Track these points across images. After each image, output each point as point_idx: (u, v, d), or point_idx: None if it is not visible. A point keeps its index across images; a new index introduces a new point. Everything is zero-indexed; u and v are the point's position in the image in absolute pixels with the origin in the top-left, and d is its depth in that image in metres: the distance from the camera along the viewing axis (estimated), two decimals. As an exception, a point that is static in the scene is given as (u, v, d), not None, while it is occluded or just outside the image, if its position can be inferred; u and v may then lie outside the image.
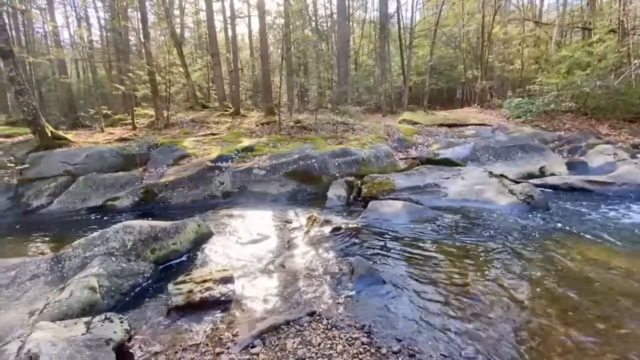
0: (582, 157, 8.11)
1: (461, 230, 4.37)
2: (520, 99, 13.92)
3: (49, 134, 8.17)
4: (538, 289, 2.94)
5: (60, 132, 9.21)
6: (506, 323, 2.50)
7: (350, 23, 20.30)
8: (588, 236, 4.08)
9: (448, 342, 2.32)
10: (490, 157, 7.92)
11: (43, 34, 19.93)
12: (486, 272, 3.26)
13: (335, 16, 19.25)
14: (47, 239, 4.93)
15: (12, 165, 6.95)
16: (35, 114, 7.95)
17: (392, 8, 19.11)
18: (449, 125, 12.14)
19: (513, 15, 20.02)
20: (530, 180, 6.37)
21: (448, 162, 7.66)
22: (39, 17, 17.82)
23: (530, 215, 4.84)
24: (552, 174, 7.15)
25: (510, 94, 15.77)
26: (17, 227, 5.58)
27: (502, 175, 6.27)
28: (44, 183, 6.79)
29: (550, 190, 6.24)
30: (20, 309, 2.74)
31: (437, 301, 2.82)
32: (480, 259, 3.56)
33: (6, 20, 9.58)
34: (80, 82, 21.53)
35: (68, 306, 2.59)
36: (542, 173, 7.29)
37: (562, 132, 10.58)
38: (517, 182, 5.89)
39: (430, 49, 17.27)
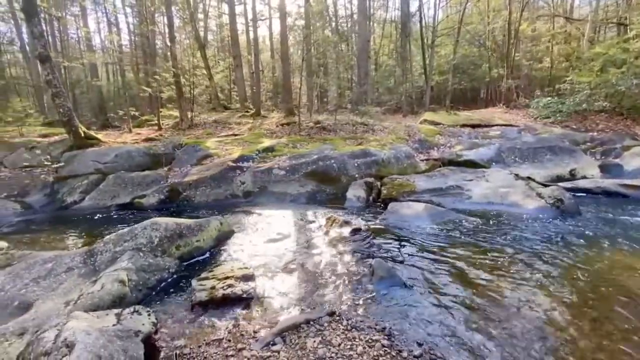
0: (617, 159, 7.67)
1: (485, 234, 4.25)
2: (549, 98, 13.34)
3: (82, 134, 8.62)
4: (568, 298, 2.82)
5: (92, 132, 9.67)
6: (533, 331, 2.41)
7: (371, 23, 20.16)
8: (623, 243, 3.86)
9: (472, 348, 2.27)
10: (517, 159, 7.65)
11: (77, 39, 21.00)
12: (512, 278, 3.15)
13: (355, 16, 19.18)
14: (80, 233, 5.20)
15: (49, 163, 7.39)
16: (69, 115, 8.40)
17: (413, 7, 18.82)
18: (473, 126, 11.82)
19: (542, 12, 19.22)
20: (560, 184, 6.09)
21: (471, 164, 7.46)
22: (73, 23, 18.81)
23: (559, 220, 4.63)
24: (584, 177, 6.82)
25: (539, 93, 15.15)
26: (53, 221, 5.91)
27: (529, 178, 6.04)
28: (77, 181, 7.16)
29: (581, 194, 5.95)
30: (57, 300, 2.90)
31: (460, 306, 2.75)
32: (506, 264, 3.45)
33: (44, 27, 10.19)
34: (110, 85, 22.52)
35: (100, 298, 2.72)
36: (572, 176, 6.96)
37: (595, 133, 10.05)
38: (546, 185, 5.65)
39: (453, 48, 16.87)
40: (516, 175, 6.24)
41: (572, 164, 7.22)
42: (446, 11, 24.11)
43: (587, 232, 4.20)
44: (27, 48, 16.83)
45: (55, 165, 7.46)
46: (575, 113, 11.86)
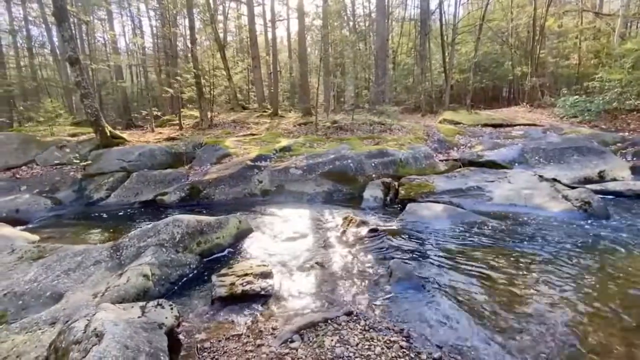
0: (651, 161, 7.28)
1: (508, 237, 4.13)
2: (576, 96, 12.80)
3: (108, 134, 8.96)
4: (595, 305, 2.70)
5: (117, 132, 10.04)
6: (559, 339, 2.33)
7: (389, 21, 19.93)
8: (657, 249, 3.66)
9: (493, 354, 2.21)
10: (541, 160, 7.38)
11: (103, 42, 21.84)
12: (536, 283, 3.05)
13: (373, 15, 19.03)
14: (106, 228, 5.41)
15: (78, 161, 7.73)
16: (97, 115, 8.75)
17: (433, 4, 18.46)
18: (494, 126, 11.50)
19: (569, 7, 18.46)
20: (588, 186, 5.82)
21: (493, 165, 7.26)
22: (99, 27, 19.58)
23: (587, 224, 4.44)
24: (614, 179, 6.49)
25: (565, 91, 14.56)
26: (81, 217, 6.18)
27: (554, 180, 5.82)
28: (103, 178, 7.46)
29: (611, 197, 5.67)
30: (85, 291, 3.04)
31: (481, 311, 2.69)
32: (530, 268, 3.34)
33: (73, 31, 10.65)
34: (134, 86, 23.30)
35: (125, 291, 2.83)
36: (601, 178, 6.65)
37: (626, 134, 9.56)
38: (572, 187, 5.43)
39: (474, 45, 16.45)
40: (540, 176, 6.03)
41: (601, 166, 6.89)
42: (467, 8, 23.56)
43: (616, 237, 4.00)
44: (57, 51, 17.66)
45: (83, 163, 7.79)
46: (604, 112, 11.35)
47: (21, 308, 2.91)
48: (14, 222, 5.45)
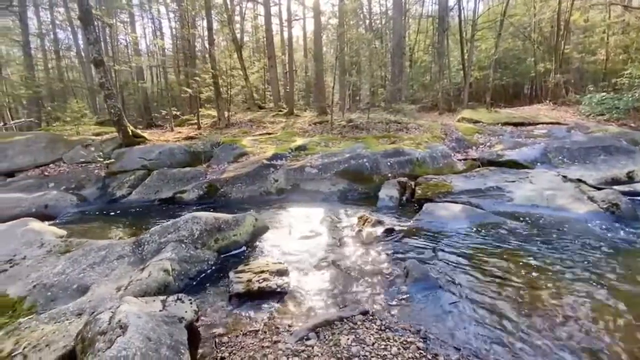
0: (685, 161, 6.88)
1: (529, 239, 4.01)
2: (603, 94, 12.25)
3: (130, 133, 9.24)
4: (621, 310, 2.59)
5: (139, 131, 10.33)
6: (581, 345, 2.24)
7: (406, 18, 19.65)
8: (692, 254, 3.47)
9: (512, 358, 2.16)
10: (565, 160, 7.12)
11: (125, 44, 22.53)
12: (558, 288, 2.95)
13: (390, 12, 18.81)
14: (128, 224, 5.59)
15: (101, 159, 8.01)
16: (119, 115, 9.04)
17: (452, 0, 18.04)
18: (515, 124, 11.14)
19: (596, 0, 17.64)
20: (615, 187, 5.58)
21: (514, 164, 7.06)
22: (122, 30, 20.19)
23: (614, 226, 4.26)
24: (644, 180, 6.19)
25: (592, 88, 13.96)
26: (105, 213, 6.41)
27: (579, 180, 5.61)
28: (125, 176, 7.70)
29: (640, 198, 5.42)
30: (110, 285, 3.16)
31: (500, 314, 2.62)
32: (551, 272, 3.23)
33: (98, 34, 11.04)
34: (154, 87, 23.89)
35: (147, 285, 2.93)
36: (630, 179, 6.33)
37: (658, 132, 9.08)
38: (598, 188, 5.22)
39: (495, 42, 15.98)
40: (564, 176, 5.82)
41: (629, 166, 6.57)
42: (487, 3, 22.94)
43: (647, 241, 3.82)
44: (83, 53, 18.35)
45: (107, 162, 8.08)
46: (634, 110, 10.80)
47: (50, 299, 3.06)
48: (42, 217, 5.70)
